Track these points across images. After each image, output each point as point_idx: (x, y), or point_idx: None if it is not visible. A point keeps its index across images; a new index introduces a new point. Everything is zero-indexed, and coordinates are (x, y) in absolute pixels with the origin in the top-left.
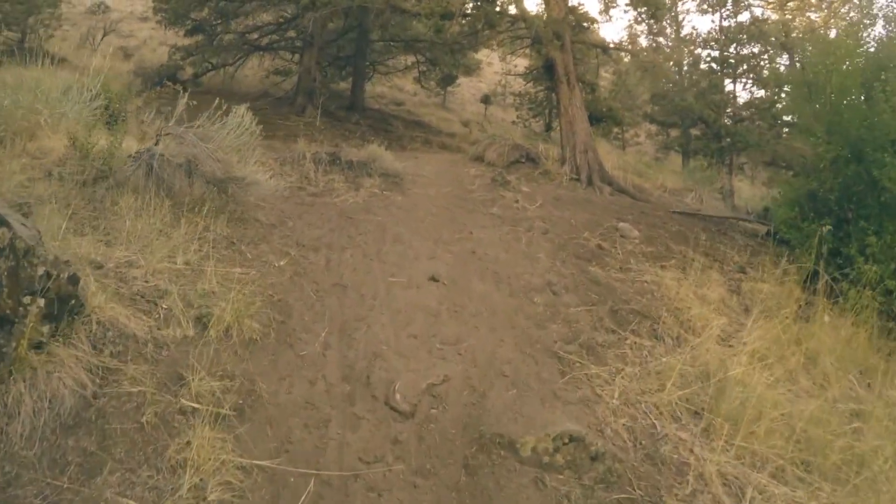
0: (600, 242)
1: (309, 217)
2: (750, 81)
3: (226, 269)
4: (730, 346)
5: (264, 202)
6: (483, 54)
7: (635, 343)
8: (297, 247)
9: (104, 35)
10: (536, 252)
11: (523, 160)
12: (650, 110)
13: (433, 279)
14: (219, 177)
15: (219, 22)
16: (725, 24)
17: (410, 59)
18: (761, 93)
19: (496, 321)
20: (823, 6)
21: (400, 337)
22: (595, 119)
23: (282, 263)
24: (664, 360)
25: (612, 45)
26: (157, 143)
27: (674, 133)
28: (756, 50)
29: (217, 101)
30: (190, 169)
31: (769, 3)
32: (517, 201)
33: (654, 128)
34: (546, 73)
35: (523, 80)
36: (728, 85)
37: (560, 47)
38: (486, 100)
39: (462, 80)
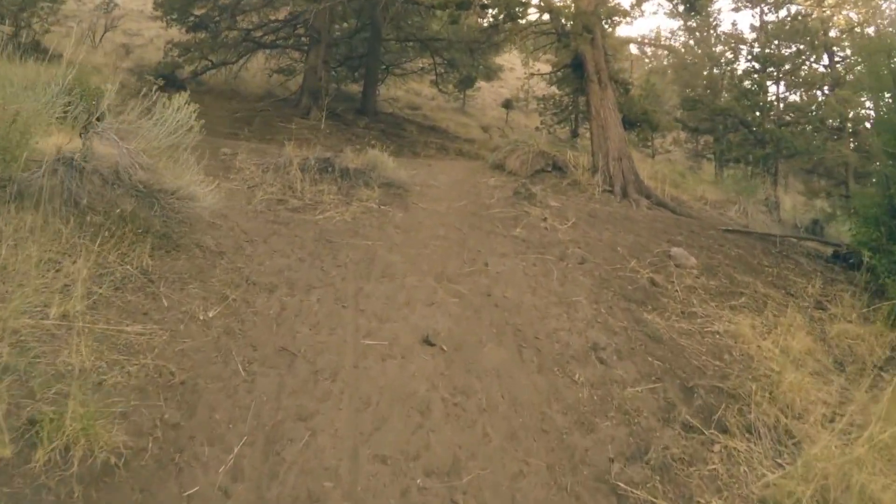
0: (653, 275)
1: (277, 241)
2: (793, 82)
3: (116, 329)
4: (843, 433)
5: (223, 220)
6: (505, 59)
7: (725, 449)
8: (244, 286)
9: (105, 31)
10: (573, 292)
11: (549, 169)
12: (679, 115)
13: (427, 342)
14: (147, 187)
15: (222, 18)
16: (767, 18)
17: (427, 60)
18: (793, 96)
19: (518, 421)
20: (860, 2)
21: (359, 460)
22: (629, 123)
23: (210, 315)
24: (769, 477)
25: (647, 41)
26: (84, 144)
27: (704, 140)
28: (801, 47)
29: (153, 87)
30: (109, 177)
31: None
32: (545, 219)
33: (683, 135)
34: (574, 71)
35: (547, 82)
36: (770, 86)
37: (590, 42)
38: (507, 104)
39: (483, 84)
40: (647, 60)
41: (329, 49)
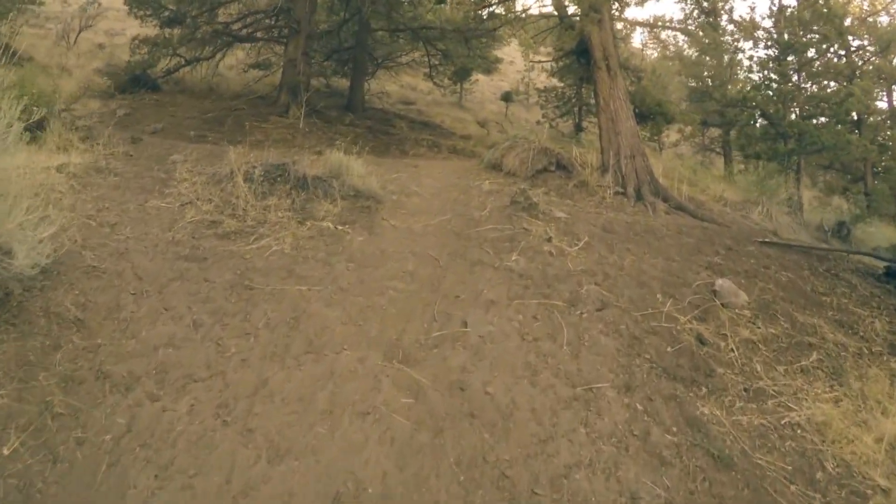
0: (698, 327)
1: (177, 291)
2: (813, 72)
3: None
4: None
5: (117, 260)
6: (504, 52)
7: None
8: (87, 383)
9: (80, 31)
10: (592, 371)
11: (552, 168)
12: (684, 107)
13: None
14: None
15: (199, 12)
16: (785, 2)
17: (420, 52)
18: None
19: None
20: None
21: None
22: (641, 116)
23: (4, 453)
24: None
25: (661, 24)
26: None
27: (710, 133)
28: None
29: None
30: None
31: None
32: (549, 239)
33: (689, 128)
34: (579, 58)
35: (548, 73)
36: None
37: (598, 23)
38: (506, 97)
39: (481, 78)
40: (650, 50)
41: (310, 40)
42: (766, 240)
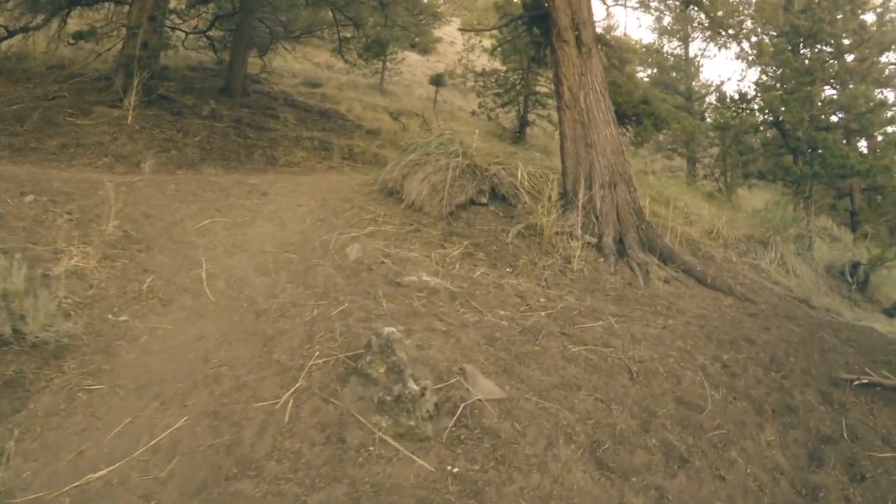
0: None
1: None
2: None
3: None
4: None
5: None
6: (445, 32)
7: None
8: None
9: None
10: None
11: (484, 200)
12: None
13: None
14: None
15: None
16: None
17: (328, 20)
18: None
19: None
20: None
21: None
22: (624, 118)
23: None
24: None
25: None
26: None
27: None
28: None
29: None
30: None
31: None
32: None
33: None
34: (533, 26)
35: (489, 52)
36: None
37: None
38: (437, 81)
39: (415, 59)
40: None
41: (163, 1)
42: (857, 378)
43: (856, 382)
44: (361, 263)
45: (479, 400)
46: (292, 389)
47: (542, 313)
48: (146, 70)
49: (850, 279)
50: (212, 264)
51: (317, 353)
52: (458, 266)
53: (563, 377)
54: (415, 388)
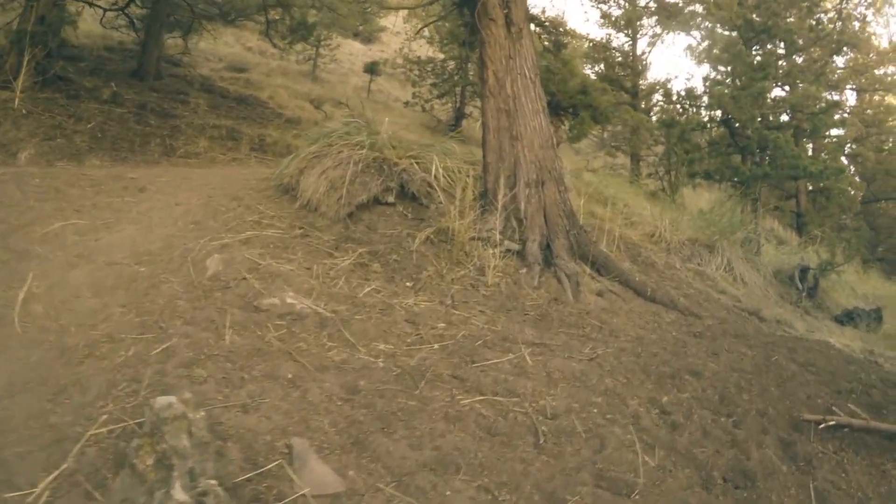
0: None
1: None
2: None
3: None
4: None
5: None
6: (389, 21)
7: None
8: None
9: None
10: None
11: (390, 199)
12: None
13: None
14: None
15: None
16: None
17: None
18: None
19: None
20: None
21: None
22: (559, 108)
23: None
24: None
25: None
26: None
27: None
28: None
29: None
30: None
31: None
32: None
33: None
34: (462, 5)
35: (427, 39)
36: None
37: None
38: (372, 69)
39: (355, 47)
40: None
41: None
42: (823, 420)
43: (821, 426)
44: (218, 280)
45: (304, 496)
46: (54, 475)
47: (436, 346)
48: (42, 47)
49: (799, 285)
50: (40, 281)
51: (104, 417)
52: (342, 281)
53: (438, 451)
54: (183, 498)
